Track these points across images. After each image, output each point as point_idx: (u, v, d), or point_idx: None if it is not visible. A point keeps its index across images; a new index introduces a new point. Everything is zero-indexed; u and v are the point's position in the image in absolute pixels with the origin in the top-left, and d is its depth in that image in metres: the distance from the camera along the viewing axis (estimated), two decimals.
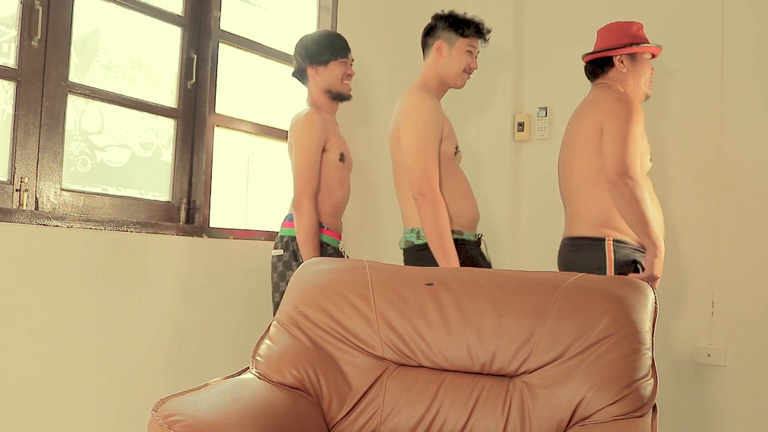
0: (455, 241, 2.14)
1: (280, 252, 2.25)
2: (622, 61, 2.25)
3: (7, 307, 1.88)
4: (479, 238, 2.30)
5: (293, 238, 2.24)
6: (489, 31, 2.33)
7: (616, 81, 2.27)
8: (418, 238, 2.19)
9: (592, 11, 3.02)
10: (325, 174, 2.28)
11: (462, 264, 2.10)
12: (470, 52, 2.27)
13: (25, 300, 1.91)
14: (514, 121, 3.17)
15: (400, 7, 3.32)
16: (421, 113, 2.17)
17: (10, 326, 1.88)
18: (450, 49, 2.27)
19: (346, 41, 2.40)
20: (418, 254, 2.17)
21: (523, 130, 3.15)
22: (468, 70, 2.29)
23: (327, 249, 2.28)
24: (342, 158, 2.33)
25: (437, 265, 2.07)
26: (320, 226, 2.27)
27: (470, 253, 2.18)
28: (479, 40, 2.31)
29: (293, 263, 2.22)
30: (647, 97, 2.31)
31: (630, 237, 2.13)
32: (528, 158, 3.16)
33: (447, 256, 2.08)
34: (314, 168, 2.23)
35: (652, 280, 2.08)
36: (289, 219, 2.29)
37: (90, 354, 2.06)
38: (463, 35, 2.26)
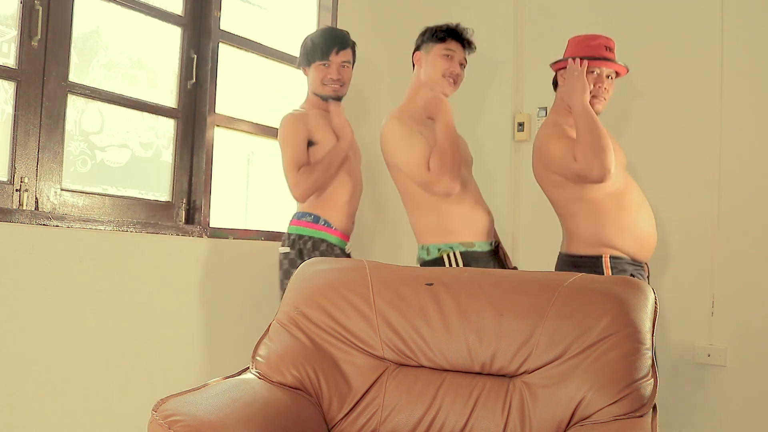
0: (465, 254, 2.12)
1: (287, 249, 2.24)
2: (563, 76, 2.26)
3: (7, 307, 1.88)
4: (496, 246, 2.26)
5: (300, 236, 2.23)
6: (466, 33, 2.27)
7: (561, 97, 2.27)
8: (428, 254, 2.19)
9: (592, 11, 3.02)
10: None
11: None
12: (447, 56, 2.23)
13: (25, 300, 1.91)
14: (514, 121, 3.17)
15: (401, 7, 3.32)
16: (397, 141, 2.16)
17: (9, 326, 1.88)
18: (427, 56, 2.26)
19: (336, 40, 2.31)
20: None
21: (523, 130, 3.14)
22: (448, 75, 2.23)
23: (334, 250, 2.25)
24: None
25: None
26: (327, 225, 2.25)
27: (483, 266, 2.13)
28: (460, 46, 2.26)
29: (298, 261, 2.20)
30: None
31: (624, 253, 2.14)
32: (528, 158, 3.13)
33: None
34: (301, 163, 2.21)
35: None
36: (297, 217, 2.28)
37: (90, 354, 2.06)
38: (437, 40, 2.24)
